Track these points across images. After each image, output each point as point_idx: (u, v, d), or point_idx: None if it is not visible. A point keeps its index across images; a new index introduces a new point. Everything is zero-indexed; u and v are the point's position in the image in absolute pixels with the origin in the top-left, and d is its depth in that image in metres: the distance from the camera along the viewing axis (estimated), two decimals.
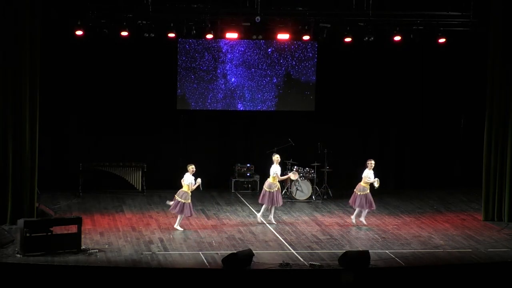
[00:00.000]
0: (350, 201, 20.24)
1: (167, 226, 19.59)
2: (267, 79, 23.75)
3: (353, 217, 20.16)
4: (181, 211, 19.14)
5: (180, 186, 19.35)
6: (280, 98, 23.82)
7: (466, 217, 21.24)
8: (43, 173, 20.57)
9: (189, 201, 19.18)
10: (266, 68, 23.72)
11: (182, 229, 19.22)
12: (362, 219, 20.07)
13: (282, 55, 23.65)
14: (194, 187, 19.21)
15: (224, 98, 23.71)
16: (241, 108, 23.75)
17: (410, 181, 24.65)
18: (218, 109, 23.67)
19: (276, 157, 20.08)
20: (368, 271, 16.29)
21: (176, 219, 19.38)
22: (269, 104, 23.81)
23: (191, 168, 19.25)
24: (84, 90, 23.05)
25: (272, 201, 19.92)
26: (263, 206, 20.10)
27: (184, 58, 23.42)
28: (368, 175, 19.94)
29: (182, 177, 19.33)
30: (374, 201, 20.12)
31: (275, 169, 20.00)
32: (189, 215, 19.30)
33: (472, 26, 21.60)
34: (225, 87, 23.70)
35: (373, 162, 20.00)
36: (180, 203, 19.10)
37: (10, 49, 18.98)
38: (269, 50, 23.60)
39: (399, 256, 17.35)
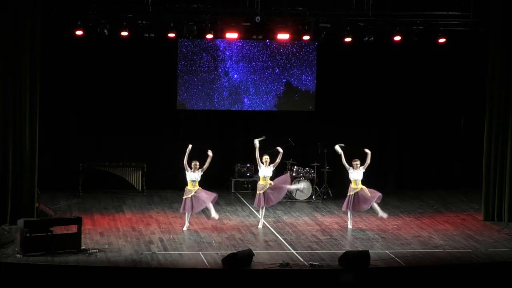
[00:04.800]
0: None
1: (167, 226, 19.60)
2: (269, 70, 23.75)
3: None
4: (184, 208, 19.18)
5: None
6: (281, 95, 23.83)
7: (466, 217, 21.23)
8: (43, 173, 20.54)
9: (187, 196, 19.13)
10: (266, 59, 23.70)
11: (186, 229, 19.25)
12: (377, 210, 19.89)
13: (282, 44, 23.58)
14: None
15: (229, 95, 23.72)
16: (248, 103, 23.76)
17: (410, 181, 24.65)
18: (225, 107, 23.68)
19: (265, 158, 19.81)
20: (368, 271, 16.29)
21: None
22: (274, 94, 23.81)
23: (193, 164, 19.22)
24: (84, 90, 23.05)
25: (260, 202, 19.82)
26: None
27: (183, 62, 23.40)
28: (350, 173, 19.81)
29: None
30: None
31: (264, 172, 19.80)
32: (183, 210, 19.26)
33: (472, 26, 21.58)
34: (229, 84, 23.70)
35: (358, 162, 19.82)
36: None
37: (10, 49, 18.98)
38: (267, 40, 23.50)
39: (399, 256, 17.34)
